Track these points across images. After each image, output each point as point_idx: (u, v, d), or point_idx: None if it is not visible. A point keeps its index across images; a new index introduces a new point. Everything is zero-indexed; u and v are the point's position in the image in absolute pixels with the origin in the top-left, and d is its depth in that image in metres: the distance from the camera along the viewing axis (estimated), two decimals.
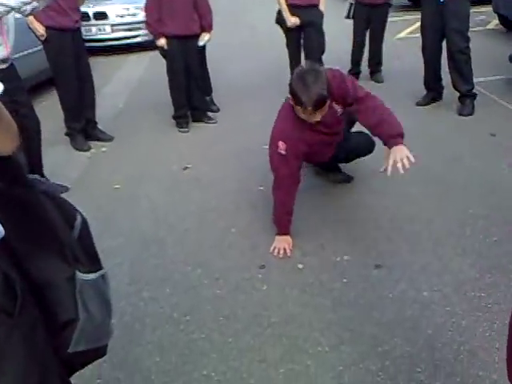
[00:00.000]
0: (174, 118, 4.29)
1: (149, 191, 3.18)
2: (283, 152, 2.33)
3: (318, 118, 2.27)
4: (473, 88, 4.00)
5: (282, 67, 5.71)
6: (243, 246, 2.51)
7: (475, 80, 4.25)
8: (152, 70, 6.16)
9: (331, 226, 2.62)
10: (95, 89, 4.05)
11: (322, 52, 4.37)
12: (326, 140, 2.53)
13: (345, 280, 2.20)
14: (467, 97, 4.00)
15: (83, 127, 3.97)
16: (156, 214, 2.90)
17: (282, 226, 2.49)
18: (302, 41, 4.40)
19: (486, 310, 1.93)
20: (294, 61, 4.47)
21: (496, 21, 7.16)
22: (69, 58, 3.66)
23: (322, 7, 4.25)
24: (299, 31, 4.31)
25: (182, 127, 4.24)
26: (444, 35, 3.91)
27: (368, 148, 2.83)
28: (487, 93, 4.35)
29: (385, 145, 2.33)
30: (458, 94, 4.06)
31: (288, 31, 4.34)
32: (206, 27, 4.07)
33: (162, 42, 3.94)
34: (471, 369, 1.68)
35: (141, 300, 2.18)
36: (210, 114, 4.45)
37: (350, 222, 2.63)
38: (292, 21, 4.18)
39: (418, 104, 4.28)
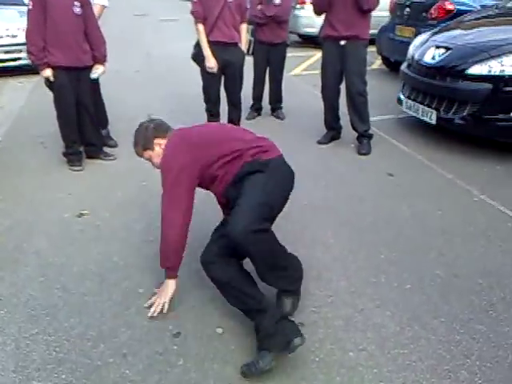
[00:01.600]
0: (65, 154, 3.85)
1: (37, 246, 2.74)
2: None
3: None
4: (369, 128, 4.22)
5: (183, 96, 5.57)
6: None
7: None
8: (37, 98, 5.58)
9: None
10: None
11: (241, 90, 4.26)
12: None
13: None
14: (365, 137, 4.20)
15: None
16: (46, 274, 2.49)
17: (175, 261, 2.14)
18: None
19: (412, 369, 1.90)
20: (213, 102, 4.20)
21: (379, 61, 7.81)
22: None
23: (243, 46, 4.09)
24: (220, 72, 4.04)
25: (74, 165, 3.82)
26: (342, 77, 4.09)
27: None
28: (380, 132, 4.63)
29: None
30: (355, 134, 4.25)
31: (206, 71, 4.03)
32: (99, 58, 3.75)
33: (47, 73, 3.51)
34: None
35: None
36: (107, 149, 4.09)
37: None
38: (212, 63, 3.93)
39: (319, 142, 4.39)
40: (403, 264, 2.58)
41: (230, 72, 4.01)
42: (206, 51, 3.93)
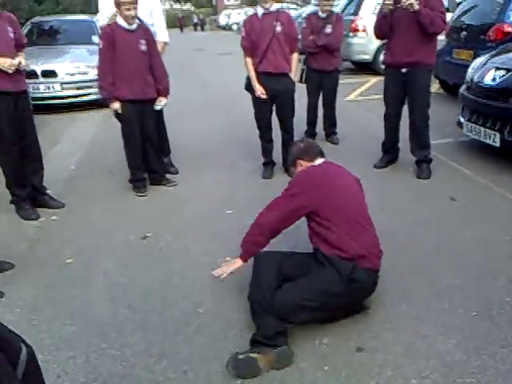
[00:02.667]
0: (131, 181, 4.09)
1: (105, 266, 2.90)
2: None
3: None
4: (429, 154, 4.13)
5: (239, 125, 5.75)
6: (213, 330, 2.29)
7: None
8: (105, 129, 5.98)
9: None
10: (42, 149, 3.79)
11: (293, 116, 4.34)
12: None
13: (326, 368, 2.03)
14: (424, 161, 4.11)
15: (30, 194, 3.67)
16: (113, 293, 2.63)
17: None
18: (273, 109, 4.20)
19: None
20: (264, 128, 4.26)
21: (437, 85, 7.67)
22: (7, 123, 3.36)
23: (293, 75, 4.13)
24: (270, 101, 4.10)
25: (139, 191, 4.04)
26: (404, 102, 4.06)
27: None
28: (441, 156, 4.51)
29: None
30: (413, 158, 4.17)
31: (257, 100, 4.11)
32: (163, 91, 3.98)
33: (116, 106, 3.79)
34: None
35: None
36: (169, 176, 4.29)
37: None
38: (259, 92, 4.02)
39: (375, 166, 4.35)
40: (469, 290, 2.48)
41: (279, 101, 4.12)
42: (254, 82, 4.04)
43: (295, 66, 4.18)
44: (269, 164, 4.35)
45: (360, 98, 7.47)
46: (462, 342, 2.11)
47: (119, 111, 3.81)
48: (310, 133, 5.28)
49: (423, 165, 4.09)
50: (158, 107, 4.01)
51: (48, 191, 3.84)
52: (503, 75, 4.11)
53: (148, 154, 4.06)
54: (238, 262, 2.32)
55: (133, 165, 4.02)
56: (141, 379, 2.01)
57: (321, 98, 5.20)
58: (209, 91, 8.56)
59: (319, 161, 2.43)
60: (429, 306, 2.38)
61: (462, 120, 4.56)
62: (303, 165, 2.43)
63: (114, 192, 4.09)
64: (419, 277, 2.62)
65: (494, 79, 4.19)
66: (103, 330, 2.32)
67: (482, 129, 4.19)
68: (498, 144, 4.02)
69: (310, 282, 2.16)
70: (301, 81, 5.09)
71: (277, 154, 4.34)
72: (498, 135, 4.00)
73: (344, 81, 8.50)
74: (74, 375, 2.03)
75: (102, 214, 3.67)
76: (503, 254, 2.79)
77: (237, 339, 2.21)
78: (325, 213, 2.21)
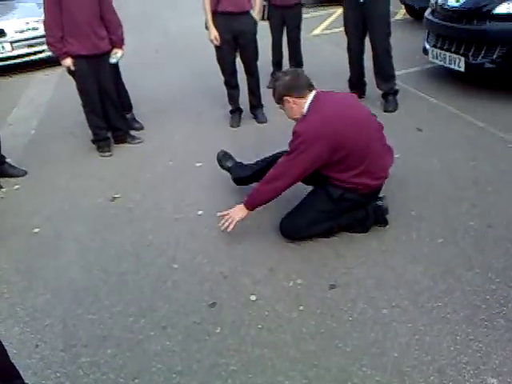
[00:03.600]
0: (94, 141, 3.96)
1: (74, 232, 2.86)
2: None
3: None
4: (395, 85, 4.07)
5: (204, 74, 5.55)
6: (188, 284, 2.31)
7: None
8: (63, 89, 5.66)
9: (278, 247, 2.49)
10: None
11: (257, 59, 4.18)
12: None
13: (301, 307, 2.08)
14: (390, 94, 4.06)
15: None
16: (86, 258, 2.61)
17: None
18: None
19: (446, 321, 1.89)
20: (228, 74, 4.08)
21: (403, 10, 7.46)
22: None
23: (256, 13, 3.93)
24: (233, 43, 3.90)
25: (103, 151, 3.92)
26: (366, 33, 3.95)
27: None
28: (407, 86, 4.46)
29: None
30: (380, 91, 4.12)
31: (219, 44, 3.86)
32: (117, 42, 3.76)
33: (67, 62, 3.58)
34: None
35: (79, 368, 1.92)
36: (133, 132, 4.16)
37: (296, 242, 2.51)
38: (212, 36, 3.81)
39: None
40: (435, 219, 2.53)
41: (242, 42, 3.93)
42: (209, 24, 3.82)
43: (259, 4, 3.98)
44: (236, 111, 4.24)
45: (326, 32, 7.23)
46: (429, 268, 2.18)
47: (72, 68, 3.61)
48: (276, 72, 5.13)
49: (389, 97, 4.05)
50: (113, 60, 3.80)
51: (8, 159, 3.70)
52: None
53: (108, 112, 3.90)
54: (243, 212, 2.39)
55: (93, 124, 3.87)
56: (121, 339, 2.03)
57: (285, 35, 5.01)
58: (170, 39, 8.16)
59: (311, 95, 2.32)
60: (397, 238, 2.43)
61: (427, 46, 4.47)
62: (291, 102, 2.33)
63: (77, 154, 3.96)
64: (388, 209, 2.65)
65: (457, 0, 4.07)
66: (78, 295, 2.32)
67: (448, 54, 4.12)
68: (462, 69, 3.98)
69: (305, 203, 2.46)
70: (263, 18, 4.87)
71: (243, 99, 4.22)
72: (462, 59, 3.95)
73: (309, 14, 8.21)
74: (52, 343, 2.04)
75: (67, 178, 3.57)
76: (467, 180, 2.83)
77: (213, 291, 2.24)
78: (345, 158, 2.29)
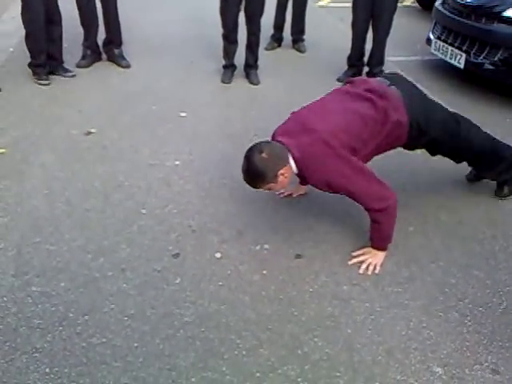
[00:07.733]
0: (31, 66, 3.70)
1: (43, 159, 2.74)
2: None
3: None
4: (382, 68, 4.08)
5: (202, 23, 5.33)
6: (155, 231, 2.26)
7: (393, 59, 4.31)
8: None
9: (251, 211, 2.45)
10: None
11: (261, 15, 4.00)
12: None
13: (264, 272, 2.07)
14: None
15: None
16: (51, 187, 2.51)
17: None
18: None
19: (403, 307, 1.92)
20: (230, 27, 3.87)
21: None
22: None
23: None
24: None
25: (40, 78, 3.66)
26: (373, 14, 3.88)
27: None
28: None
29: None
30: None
31: None
32: None
33: None
34: (389, 372, 1.66)
35: (28, 296, 1.86)
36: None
37: (269, 208, 2.48)
38: None
39: (338, 80, 4.20)
40: (410, 208, 2.53)
41: None
42: None
43: None
44: (229, 67, 4.10)
45: (333, 5, 7.03)
46: (394, 254, 2.19)
47: None
48: (277, 37, 4.97)
49: None
50: None
51: None
52: None
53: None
54: (382, 256, 2.14)
55: (34, 47, 3.62)
56: (76, 274, 1.98)
57: (291, 1, 4.83)
58: None
59: (286, 150, 1.94)
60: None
61: (431, 37, 4.40)
62: (284, 171, 1.94)
63: (56, 79, 3.76)
64: None
65: None
66: (38, 223, 2.23)
67: (450, 48, 4.07)
68: (462, 65, 3.94)
69: None
70: None
71: (239, 57, 4.08)
72: (463, 56, 3.91)
73: None
74: (3, 267, 1.97)
75: (43, 102, 3.40)
76: (447, 175, 2.84)
77: (179, 243, 2.20)
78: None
